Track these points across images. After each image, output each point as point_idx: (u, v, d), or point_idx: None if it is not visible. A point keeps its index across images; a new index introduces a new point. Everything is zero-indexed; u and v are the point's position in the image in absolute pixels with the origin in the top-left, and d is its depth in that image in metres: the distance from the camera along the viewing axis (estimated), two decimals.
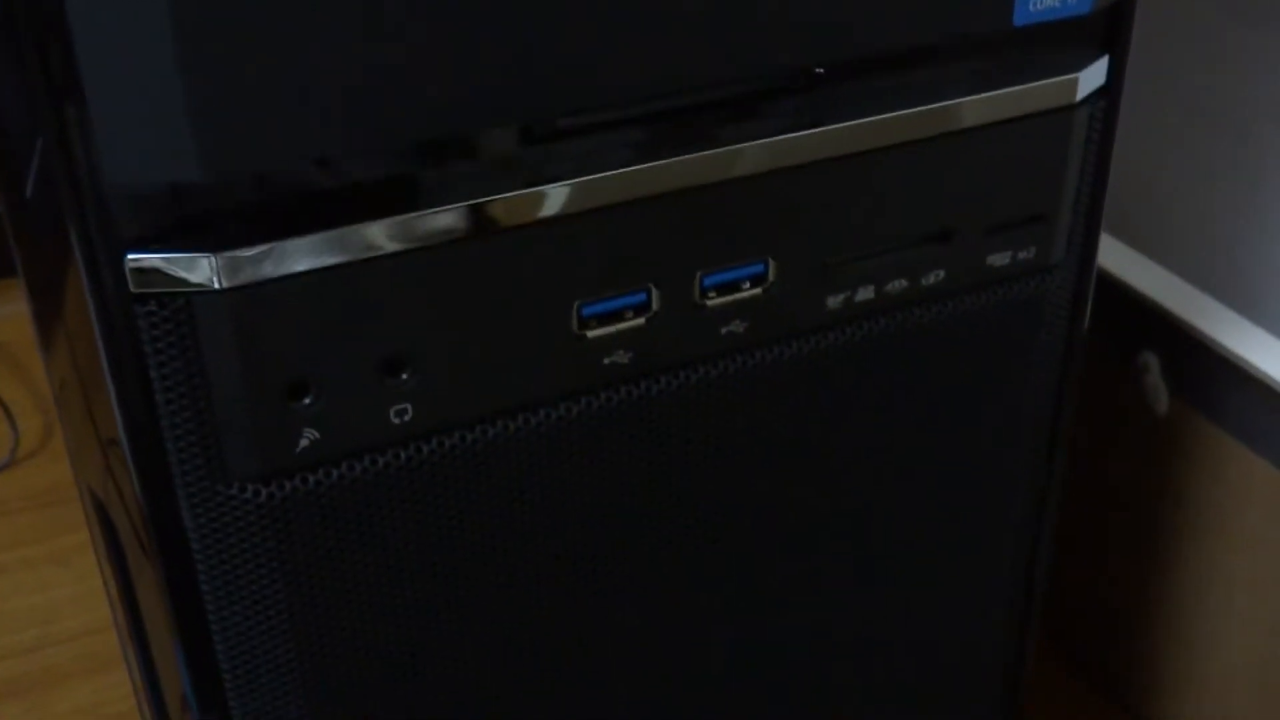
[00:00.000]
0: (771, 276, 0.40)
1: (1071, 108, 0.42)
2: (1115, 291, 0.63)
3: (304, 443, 0.36)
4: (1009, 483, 0.49)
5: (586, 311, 0.38)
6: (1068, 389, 0.48)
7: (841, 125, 0.39)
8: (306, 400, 0.36)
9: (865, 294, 0.42)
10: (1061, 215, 0.44)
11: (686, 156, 0.38)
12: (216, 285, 0.34)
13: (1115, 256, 0.64)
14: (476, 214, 0.36)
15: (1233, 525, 0.60)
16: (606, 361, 0.39)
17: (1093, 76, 0.42)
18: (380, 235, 0.35)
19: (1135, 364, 0.63)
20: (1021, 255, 0.44)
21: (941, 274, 0.43)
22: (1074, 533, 0.69)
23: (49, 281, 0.38)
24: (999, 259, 0.43)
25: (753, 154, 0.38)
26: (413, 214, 0.35)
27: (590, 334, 0.39)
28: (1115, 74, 0.43)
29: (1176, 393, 0.61)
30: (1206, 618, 0.63)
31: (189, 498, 0.36)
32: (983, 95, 0.40)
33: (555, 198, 0.36)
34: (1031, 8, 0.39)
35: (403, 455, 0.38)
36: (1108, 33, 0.42)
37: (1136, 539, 0.66)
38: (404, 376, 0.37)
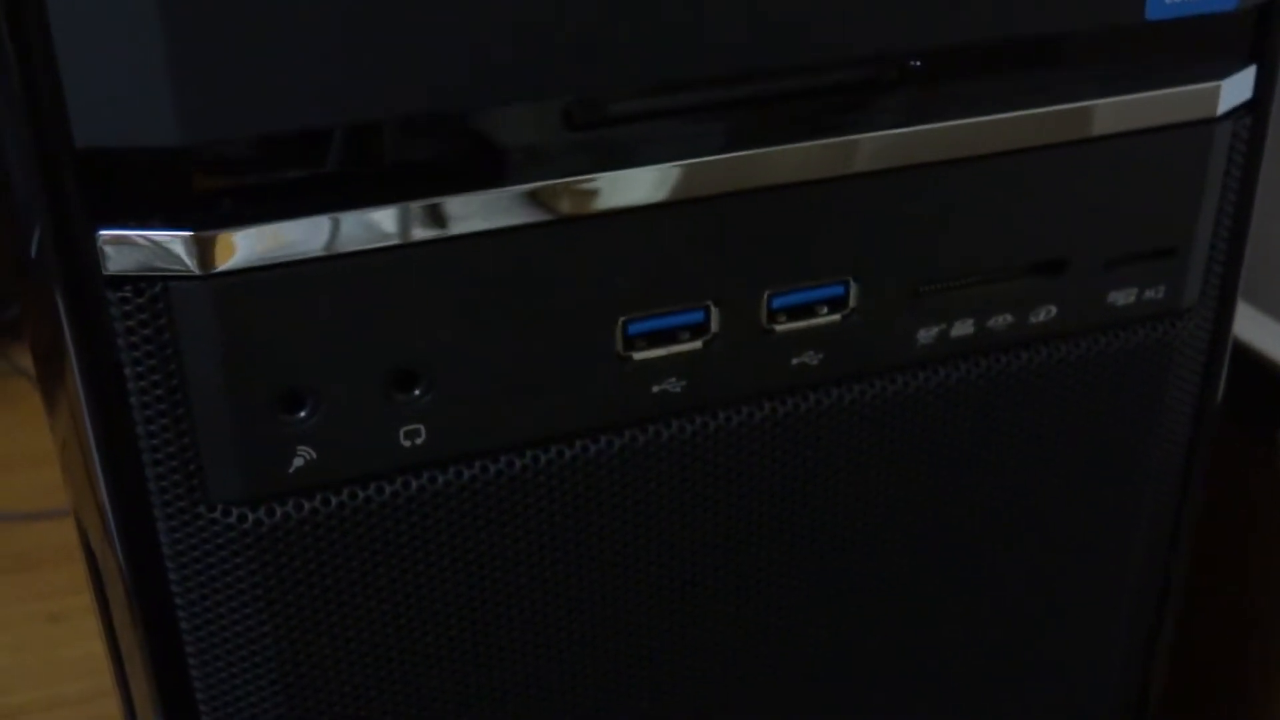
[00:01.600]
0: (853, 301, 0.35)
1: (1211, 122, 0.36)
2: (1248, 362, 0.56)
3: (298, 462, 0.32)
4: (1122, 567, 0.42)
5: (633, 329, 0.33)
6: (1197, 461, 0.42)
7: (939, 125, 0.34)
8: (301, 413, 0.31)
9: (963, 329, 0.36)
10: (1196, 250, 0.37)
11: (757, 152, 0.32)
12: (197, 270, 0.29)
13: (1246, 322, 0.58)
14: (505, 204, 0.31)
15: None
16: (656, 389, 0.34)
17: (1237, 88, 0.36)
18: (391, 223, 0.30)
19: (1272, 446, 0.56)
20: (1148, 294, 0.37)
21: (1053, 310, 0.37)
22: (1198, 633, 0.61)
23: (27, 270, 0.33)
24: (1121, 297, 0.37)
25: (833, 155, 0.33)
26: (430, 200, 0.30)
27: (637, 356, 0.33)
28: (1264, 87, 0.37)
29: None
30: None
31: (166, 519, 0.32)
32: (1107, 100, 0.35)
33: (599, 191, 0.31)
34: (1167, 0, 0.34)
35: (414, 484, 0.33)
36: (1256, 39, 0.37)
37: (1269, 646, 0.58)
38: (416, 393, 0.32)
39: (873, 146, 0.33)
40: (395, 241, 0.30)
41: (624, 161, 0.32)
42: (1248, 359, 0.56)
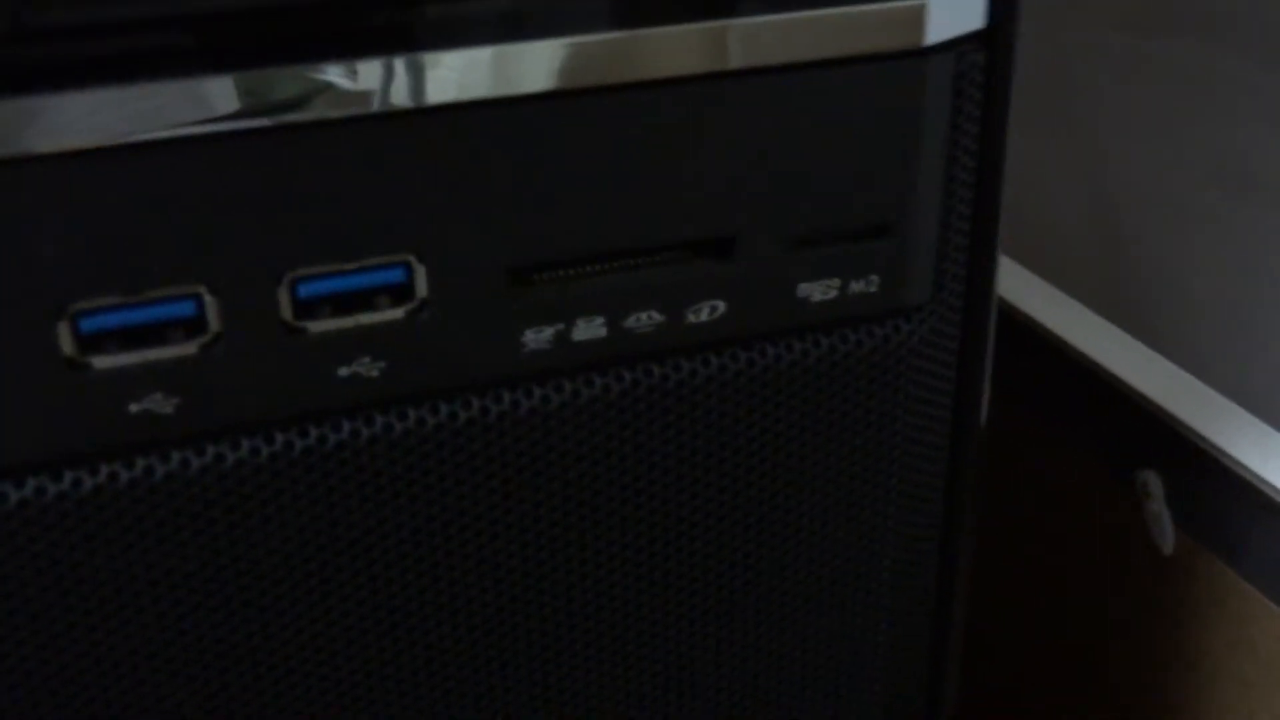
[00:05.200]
0: (422, 290, 0.26)
1: (921, 54, 0.27)
2: (1107, 391, 0.48)
3: None
4: (864, 637, 0.33)
5: (87, 325, 0.24)
6: (960, 498, 0.33)
7: (532, 44, 0.25)
8: None
9: (591, 330, 0.27)
10: (919, 230, 0.28)
11: (254, 73, 0.23)
12: None
13: (1112, 348, 0.50)
14: None
15: (1257, 700, 0.45)
16: (135, 409, 0.25)
17: (957, 12, 0.27)
18: None
19: (1133, 487, 0.48)
20: (856, 287, 0.28)
21: (720, 307, 0.28)
22: (1058, 679, 0.54)
23: None
24: (817, 290, 0.28)
25: (371, 79, 0.24)
26: None
27: (98, 364, 0.24)
28: (1002, 15, 0.28)
29: (1185, 526, 0.47)
30: None
31: None
32: (764, 18, 0.26)
33: (20, 126, 0.22)
34: None
35: None
36: None
37: (1143, 704, 0.50)
38: None
39: (441, 73, 0.24)
40: None
41: (47, 85, 0.23)
42: (1112, 390, 0.48)
